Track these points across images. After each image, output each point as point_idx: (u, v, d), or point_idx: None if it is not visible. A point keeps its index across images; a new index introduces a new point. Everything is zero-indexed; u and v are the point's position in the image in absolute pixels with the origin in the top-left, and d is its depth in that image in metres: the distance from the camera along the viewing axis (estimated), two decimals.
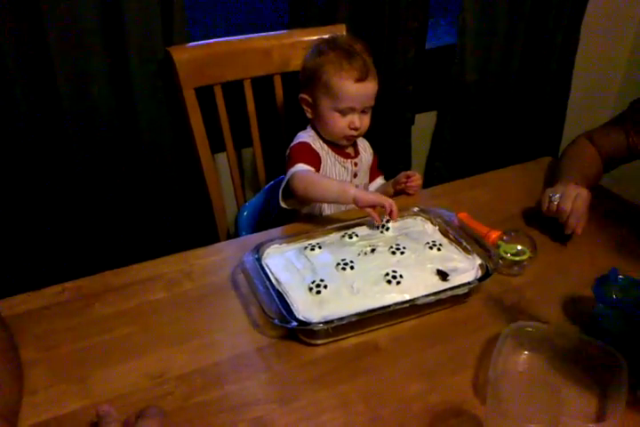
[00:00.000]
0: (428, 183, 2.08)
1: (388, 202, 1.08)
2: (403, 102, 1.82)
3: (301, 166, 1.18)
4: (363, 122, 1.24)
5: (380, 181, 1.41)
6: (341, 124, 1.23)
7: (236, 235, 1.44)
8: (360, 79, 1.19)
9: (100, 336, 0.91)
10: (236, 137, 1.50)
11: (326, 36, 1.30)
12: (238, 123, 1.49)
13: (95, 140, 1.40)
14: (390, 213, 1.08)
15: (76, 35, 1.28)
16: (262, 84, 1.47)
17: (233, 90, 1.44)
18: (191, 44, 1.39)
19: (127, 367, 0.86)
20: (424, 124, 2.03)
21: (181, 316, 0.96)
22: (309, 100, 1.25)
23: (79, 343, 0.90)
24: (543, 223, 1.17)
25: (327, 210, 1.30)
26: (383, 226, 1.09)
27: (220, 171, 1.64)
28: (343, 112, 1.22)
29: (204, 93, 1.39)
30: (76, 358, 0.88)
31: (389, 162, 1.87)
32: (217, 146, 1.49)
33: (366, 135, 1.40)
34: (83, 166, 1.41)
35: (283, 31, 1.49)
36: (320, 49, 1.23)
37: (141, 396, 0.82)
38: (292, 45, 1.44)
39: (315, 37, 1.43)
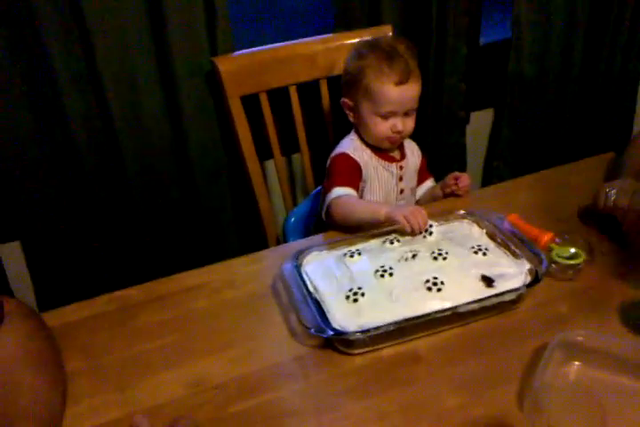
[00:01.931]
0: (486, 183, 2.05)
1: (417, 222, 1.04)
2: (456, 101, 1.77)
3: (338, 191, 1.18)
4: (406, 125, 1.21)
5: (428, 183, 1.37)
6: (383, 127, 1.20)
7: (285, 241, 1.44)
8: (401, 82, 1.16)
9: (142, 345, 0.93)
10: (283, 143, 1.50)
11: (368, 38, 1.28)
12: (285, 129, 1.49)
13: (146, 150, 1.44)
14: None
15: (122, 49, 1.32)
16: (308, 89, 1.47)
17: (279, 96, 1.44)
18: (236, 53, 1.41)
19: (167, 376, 0.87)
20: (481, 123, 1.97)
21: (222, 325, 0.96)
22: (351, 103, 1.24)
23: (122, 353, 0.92)
24: (601, 224, 1.10)
25: None
26: (426, 230, 1.06)
27: (270, 177, 1.65)
28: (385, 116, 1.19)
29: (250, 101, 1.40)
30: (119, 368, 0.89)
31: (444, 163, 1.83)
32: (265, 153, 1.50)
33: (418, 136, 1.37)
34: (134, 174, 1.44)
35: (327, 35, 1.48)
36: (360, 52, 1.21)
37: (179, 405, 0.83)
38: (337, 49, 1.43)
39: (359, 39, 1.42)
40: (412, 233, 1.06)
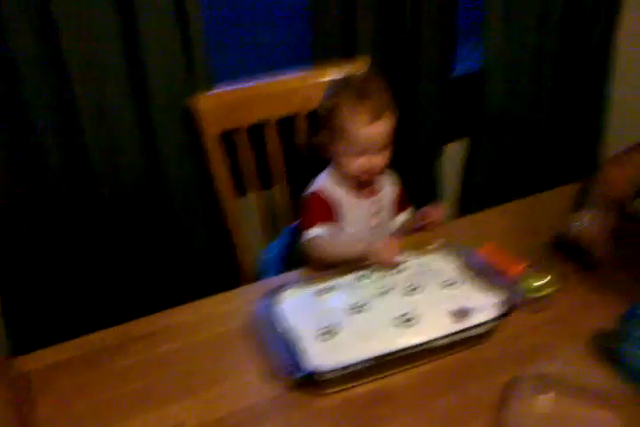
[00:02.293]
0: (462, 212, 2.07)
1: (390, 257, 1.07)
2: (430, 132, 1.80)
3: (312, 233, 1.19)
4: (380, 160, 1.23)
5: (405, 214, 1.38)
6: (357, 165, 1.21)
7: (261, 277, 1.44)
8: (373, 121, 1.17)
9: (118, 389, 0.92)
10: (261, 178, 1.51)
11: (340, 76, 1.31)
12: (263, 163, 1.50)
13: (123, 187, 1.43)
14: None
15: (100, 82, 1.32)
16: (286, 124, 1.49)
17: (257, 131, 1.46)
18: (213, 91, 1.42)
19: (143, 420, 0.87)
20: (455, 153, 2.00)
21: (198, 365, 0.96)
22: (324, 141, 1.26)
23: (98, 397, 0.91)
24: (569, 254, 1.12)
25: None
26: (399, 265, 1.08)
27: (247, 212, 1.65)
28: (358, 154, 1.20)
29: (228, 136, 1.42)
30: (94, 413, 0.89)
31: (419, 193, 1.85)
32: (243, 188, 1.51)
33: (394, 166, 1.38)
34: (110, 212, 1.44)
35: (304, 72, 1.50)
36: (333, 90, 1.24)
37: None
38: (314, 85, 1.43)
39: (336, 71, 1.43)
40: (386, 268, 1.07)
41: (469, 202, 2.03)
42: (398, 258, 1.08)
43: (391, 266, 1.07)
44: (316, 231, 1.20)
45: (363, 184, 1.28)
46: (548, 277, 1.01)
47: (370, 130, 1.18)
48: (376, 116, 1.17)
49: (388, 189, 1.35)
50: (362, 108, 1.17)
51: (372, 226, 1.31)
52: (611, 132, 2.14)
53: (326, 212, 1.24)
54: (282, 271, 1.38)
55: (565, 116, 2.01)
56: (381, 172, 1.28)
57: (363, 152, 1.20)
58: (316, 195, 1.26)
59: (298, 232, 1.26)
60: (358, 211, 1.28)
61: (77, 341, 1.02)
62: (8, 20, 1.20)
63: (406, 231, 1.31)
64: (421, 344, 0.89)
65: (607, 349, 0.90)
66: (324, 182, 1.28)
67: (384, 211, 1.33)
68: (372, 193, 1.30)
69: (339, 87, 1.24)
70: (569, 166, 2.09)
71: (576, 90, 1.98)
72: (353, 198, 1.27)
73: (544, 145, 2.03)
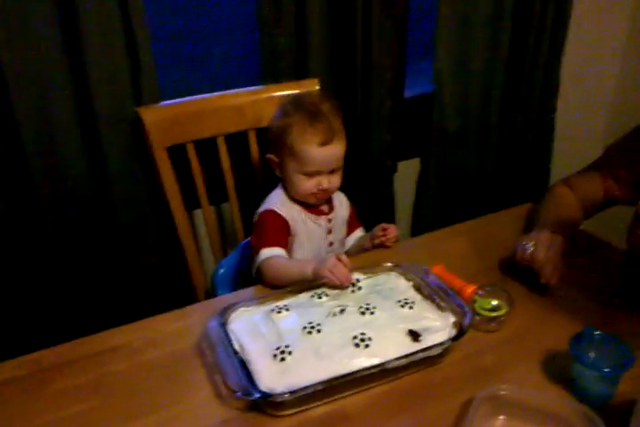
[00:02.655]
0: (416, 230, 2.09)
1: (342, 275, 1.05)
2: (382, 151, 1.81)
3: (266, 253, 1.17)
4: (331, 182, 1.22)
5: (358, 233, 1.38)
6: (308, 185, 1.21)
7: (214, 293, 1.41)
8: (324, 143, 1.17)
9: (55, 414, 0.87)
10: (212, 193, 1.49)
11: (292, 96, 1.30)
12: (214, 178, 1.48)
13: (66, 203, 1.39)
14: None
15: (43, 96, 1.28)
16: (236, 139, 1.47)
17: (207, 146, 1.43)
18: (162, 103, 1.40)
19: None
20: (408, 172, 2.03)
21: (143, 388, 0.92)
22: (276, 160, 1.24)
23: (35, 421, 0.86)
24: (520, 275, 1.13)
25: None
26: (354, 284, 1.07)
27: (198, 227, 1.62)
28: (309, 174, 1.20)
29: (177, 151, 1.39)
30: None
31: (373, 211, 1.86)
32: (193, 202, 1.48)
33: (347, 185, 1.38)
34: (53, 228, 1.39)
35: (255, 87, 1.49)
36: (285, 111, 1.22)
37: None
38: (265, 101, 1.44)
39: (287, 92, 1.44)
40: (340, 286, 1.06)
41: (421, 220, 2.05)
42: (350, 276, 1.07)
43: (345, 285, 1.06)
44: (269, 252, 1.18)
45: (317, 202, 1.28)
46: (502, 298, 1.02)
47: (321, 152, 1.18)
48: (329, 138, 1.18)
49: (341, 207, 1.34)
50: (313, 130, 1.17)
51: (327, 244, 1.30)
52: (560, 154, 2.21)
53: (280, 232, 1.22)
54: (235, 287, 1.36)
55: (516, 136, 2.06)
56: (331, 193, 1.27)
57: (313, 173, 1.20)
58: (270, 213, 1.24)
59: (250, 249, 1.24)
60: (313, 229, 1.27)
61: (15, 360, 0.97)
62: None
63: (365, 247, 1.30)
64: (377, 366, 0.88)
65: (560, 370, 0.91)
66: (279, 199, 1.26)
67: (338, 229, 1.33)
68: (327, 211, 1.30)
69: (291, 107, 1.23)
70: (520, 187, 2.14)
71: (525, 111, 2.03)
72: (307, 216, 1.26)
73: (495, 166, 2.07)
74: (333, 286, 1.06)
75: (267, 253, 1.18)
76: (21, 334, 1.41)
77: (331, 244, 1.31)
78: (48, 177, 1.34)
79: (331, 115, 1.20)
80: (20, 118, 1.27)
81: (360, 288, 1.06)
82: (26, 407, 0.88)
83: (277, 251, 1.18)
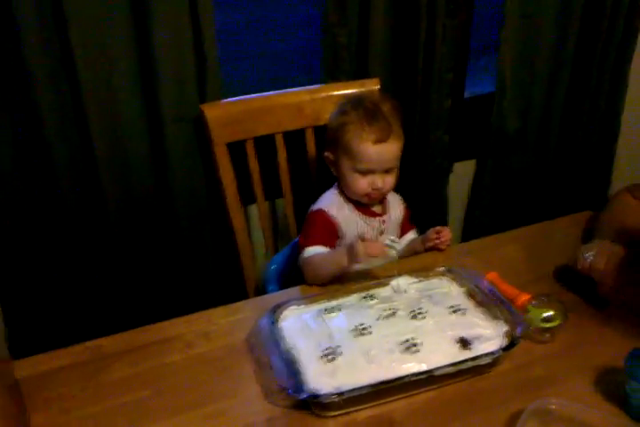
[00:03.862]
0: (467, 233, 2.06)
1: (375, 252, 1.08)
2: (439, 152, 1.79)
3: (310, 251, 1.19)
4: (385, 182, 1.22)
5: (410, 235, 1.37)
6: (362, 184, 1.21)
7: (264, 289, 1.43)
8: (380, 141, 1.17)
9: (112, 400, 0.91)
10: (268, 188, 1.50)
11: (353, 94, 1.30)
12: (271, 174, 1.50)
13: (130, 196, 1.43)
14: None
15: (110, 92, 1.32)
16: (294, 136, 1.48)
17: (265, 142, 1.45)
18: (224, 100, 1.42)
19: None
20: (463, 173, 2.00)
21: (195, 380, 0.95)
22: (332, 158, 1.25)
23: (91, 408, 0.90)
24: (577, 286, 1.11)
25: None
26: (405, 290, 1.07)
27: (252, 223, 1.65)
28: (363, 173, 1.20)
29: (237, 146, 1.41)
30: (86, 425, 0.87)
31: (426, 212, 1.84)
32: (249, 198, 1.51)
33: (402, 186, 1.37)
34: (116, 219, 1.43)
35: (315, 86, 1.50)
36: (344, 108, 1.23)
37: None
38: (324, 100, 1.45)
39: (346, 91, 1.45)
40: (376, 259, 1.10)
41: (474, 224, 2.03)
42: (384, 250, 1.10)
43: (380, 255, 1.08)
44: (313, 250, 1.20)
45: (369, 204, 1.28)
46: (556, 309, 1.00)
47: (376, 150, 1.18)
48: (384, 137, 1.17)
49: (395, 209, 1.34)
50: (369, 128, 1.17)
51: None
52: (623, 162, 2.13)
53: (328, 232, 1.23)
54: (285, 284, 1.37)
55: (577, 142, 2.01)
56: (386, 194, 1.27)
57: (367, 172, 1.20)
58: (321, 213, 1.25)
59: (298, 247, 1.26)
60: (364, 230, 1.27)
61: (75, 348, 1.01)
62: (25, 34, 1.20)
63: (418, 249, 1.29)
64: (425, 372, 0.88)
65: (613, 386, 0.89)
66: (332, 199, 1.27)
67: (391, 231, 1.32)
68: (380, 213, 1.30)
69: (350, 105, 1.23)
70: (579, 194, 2.08)
71: (589, 116, 1.97)
72: (359, 217, 1.26)
73: (554, 171, 2.02)
74: (384, 289, 1.07)
75: (311, 251, 1.19)
76: (85, 321, 1.47)
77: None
78: (113, 169, 1.38)
79: (389, 114, 1.19)
80: (90, 115, 1.31)
81: (411, 292, 1.06)
82: (86, 393, 0.93)
83: (321, 250, 1.19)
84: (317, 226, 1.24)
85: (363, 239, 1.10)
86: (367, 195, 1.23)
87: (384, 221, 1.29)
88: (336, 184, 1.30)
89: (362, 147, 1.17)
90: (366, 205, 1.27)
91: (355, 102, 1.23)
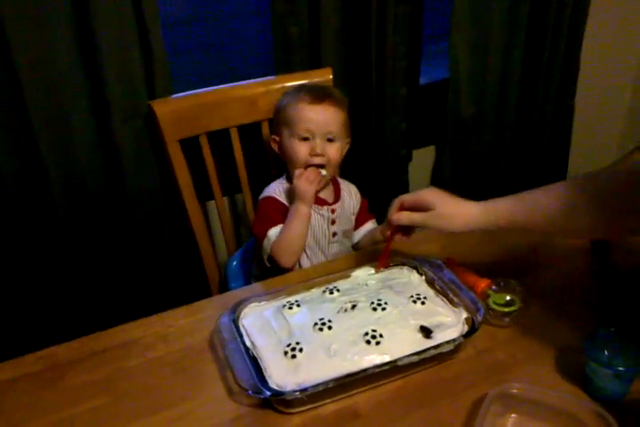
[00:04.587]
0: None
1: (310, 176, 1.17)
2: (397, 140, 1.79)
3: (272, 233, 1.21)
4: (326, 150, 1.21)
5: (369, 225, 1.37)
6: (301, 151, 1.20)
7: (227, 285, 1.41)
8: (315, 102, 1.19)
9: (69, 410, 0.88)
10: (225, 184, 1.48)
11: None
12: (227, 169, 1.47)
13: (81, 197, 1.40)
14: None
15: (56, 95, 1.28)
16: (249, 130, 1.46)
17: (219, 137, 1.43)
18: (174, 96, 1.39)
19: None
20: (423, 160, 2.00)
21: (155, 384, 0.93)
22: (277, 138, 1.26)
23: (47, 418, 0.87)
24: (535, 270, 1.12)
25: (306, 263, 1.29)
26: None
27: (211, 219, 1.62)
28: (303, 138, 1.20)
29: (190, 142, 1.38)
30: None
31: (387, 201, 1.83)
32: (206, 194, 1.48)
33: (361, 174, 1.35)
34: (67, 222, 1.39)
35: (267, 78, 1.48)
36: (286, 92, 1.28)
37: None
38: (278, 91, 1.42)
39: (300, 82, 1.43)
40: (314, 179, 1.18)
41: None
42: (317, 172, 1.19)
43: (316, 177, 1.17)
44: (275, 231, 1.20)
45: (318, 191, 1.26)
46: (516, 293, 1.01)
47: (312, 109, 1.20)
48: (319, 99, 1.20)
49: (348, 199, 1.33)
50: (305, 93, 1.21)
51: (331, 235, 1.29)
52: (579, 142, 2.16)
53: (282, 214, 1.23)
54: (248, 280, 1.36)
55: (533, 123, 2.02)
56: (330, 166, 1.24)
57: (307, 134, 1.20)
58: (269, 199, 1.25)
59: (256, 239, 1.25)
60: (315, 217, 1.26)
61: (28, 356, 0.98)
62: None
63: (377, 239, 1.29)
64: (388, 363, 0.87)
65: (574, 368, 0.89)
66: (278, 188, 1.27)
67: (343, 220, 1.31)
68: (331, 201, 1.28)
69: (293, 90, 1.28)
70: (537, 177, 2.10)
71: (544, 98, 1.99)
72: None
73: (512, 153, 2.04)
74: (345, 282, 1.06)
75: (272, 233, 1.20)
76: (35, 329, 1.43)
77: (334, 234, 1.30)
78: (62, 171, 1.35)
79: (331, 88, 1.24)
80: (33, 113, 1.27)
81: (371, 283, 1.06)
82: (39, 403, 0.89)
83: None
84: (270, 210, 1.24)
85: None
86: (308, 163, 1.21)
87: (334, 210, 1.28)
88: (284, 175, 1.28)
89: (297, 108, 1.20)
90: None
91: (298, 87, 1.28)
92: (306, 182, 1.16)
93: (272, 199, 1.24)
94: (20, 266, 1.40)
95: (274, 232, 1.20)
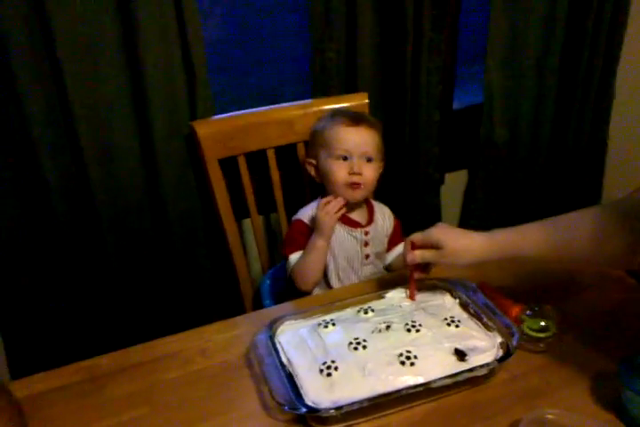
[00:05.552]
0: None
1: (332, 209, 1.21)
2: (430, 163, 1.81)
3: (292, 259, 1.26)
4: (364, 170, 1.23)
5: (401, 247, 1.37)
6: (342, 171, 1.23)
7: (261, 303, 1.44)
8: (352, 124, 1.23)
9: (110, 419, 0.91)
10: (261, 203, 1.51)
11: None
12: (264, 189, 1.51)
13: (123, 211, 1.44)
14: None
15: (102, 114, 1.34)
16: (286, 151, 1.49)
17: (257, 157, 1.46)
18: (215, 117, 1.43)
19: None
20: (455, 183, 2.02)
21: (193, 397, 0.95)
22: (314, 162, 1.29)
23: (91, 426, 0.90)
24: (570, 295, 1.12)
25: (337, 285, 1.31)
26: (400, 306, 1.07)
27: (247, 237, 1.65)
28: (341, 158, 1.23)
29: (229, 162, 1.42)
30: None
31: (420, 223, 1.85)
32: (243, 212, 1.51)
33: (394, 197, 1.36)
34: (110, 237, 1.44)
35: (304, 101, 1.51)
36: (321, 117, 1.32)
37: None
38: (314, 114, 1.46)
39: (336, 106, 1.46)
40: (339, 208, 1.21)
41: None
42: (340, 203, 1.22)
43: (339, 208, 1.20)
44: (295, 257, 1.25)
45: (352, 208, 1.29)
46: (550, 319, 1.01)
47: (350, 131, 1.23)
48: (356, 121, 1.24)
49: (382, 222, 1.35)
50: (341, 117, 1.26)
51: (363, 257, 1.31)
52: (614, 170, 2.15)
53: (306, 239, 1.26)
54: (281, 298, 1.38)
55: (567, 150, 2.03)
56: (368, 186, 1.26)
57: (346, 154, 1.23)
58: (297, 222, 1.28)
59: (284, 259, 1.29)
60: (347, 240, 1.28)
61: (72, 366, 1.01)
62: (18, 68, 1.23)
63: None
64: (422, 384, 0.88)
65: (609, 395, 0.89)
66: (312, 210, 1.28)
67: (376, 242, 1.33)
68: (363, 224, 1.30)
69: (326, 114, 1.32)
70: (571, 202, 2.10)
71: (578, 125, 1.99)
72: (342, 227, 1.28)
73: (545, 179, 2.04)
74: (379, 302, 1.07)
75: (292, 258, 1.25)
76: (80, 340, 1.47)
77: (367, 256, 1.31)
78: (105, 188, 1.39)
79: (367, 115, 1.30)
80: (82, 136, 1.32)
81: (405, 304, 1.07)
82: (80, 414, 0.92)
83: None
84: (294, 235, 1.28)
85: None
86: (350, 185, 1.23)
87: (367, 232, 1.30)
88: (319, 197, 1.31)
89: (334, 130, 1.24)
90: (349, 212, 1.28)
91: (332, 111, 1.32)
92: (326, 215, 1.20)
93: (300, 223, 1.28)
94: (66, 279, 1.44)
95: (294, 257, 1.26)
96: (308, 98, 1.58)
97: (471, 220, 2.04)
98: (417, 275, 1.08)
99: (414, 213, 1.82)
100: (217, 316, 1.16)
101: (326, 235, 1.21)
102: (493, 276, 1.15)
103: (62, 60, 1.25)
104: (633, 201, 0.90)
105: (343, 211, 1.22)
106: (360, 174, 1.23)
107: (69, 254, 1.42)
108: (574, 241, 0.93)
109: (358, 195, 1.27)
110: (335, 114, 1.30)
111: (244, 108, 1.47)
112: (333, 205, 1.21)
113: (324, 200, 1.23)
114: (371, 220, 1.32)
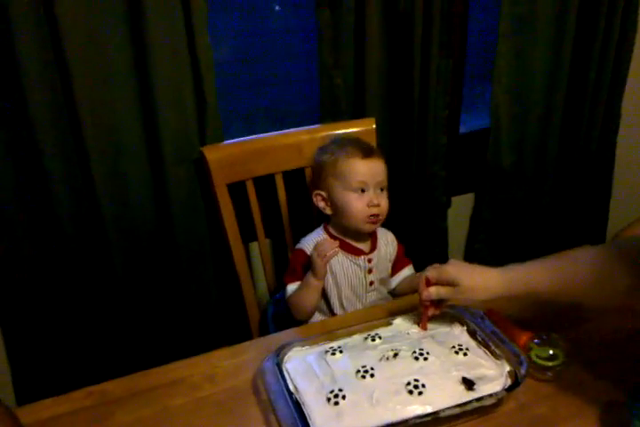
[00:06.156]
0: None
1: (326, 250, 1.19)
2: (437, 186, 1.82)
3: (289, 289, 1.27)
4: (381, 200, 1.25)
5: (406, 271, 1.37)
6: (360, 204, 1.23)
7: (267, 327, 1.44)
8: (366, 156, 1.24)
9: None
10: (268, 227, 1.52)
11: (332, 137, 1.38)
12: (271, 213, 1.52)
13: (132, 234, 1.45)
14: None
15: (113, 138, 1.35)
16: (294, 176, 1.51)
17: (265, 182, 1.48)
18: (224, 142, 1.45)
19: None
20: (462, 207, 2.02)
21: (201, 423, 0.95)
22: (324, 194, 1.28)
23: None
24: (578, 324, 1.12)
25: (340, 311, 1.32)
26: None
27: (254, 260, 1.66)
28: (359, 191, 1.23)
29: (237, 186, 1.43)
30: None
31: (426, 246, 1.86)
32: (250, 235, 1.52)
33: (401, 220, 1.36)
34: (117, 259, 1.44)
35: (313, 126, 1.53)
36: (325, 146, 1.32)
37: None
38: (322, 139, 1.47)
39: (344, 131, 1.48)
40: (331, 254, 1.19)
41: (474, 257, 2.04)
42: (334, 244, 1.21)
43: (332, 249, 1.18)
44: (291, 288, 1.26)
45: (355, 236, 1.29)
46: (558, 347, 1.01)
47: (366, 163, 1.24)
48: (369, 153, 1.25)
49: (385, 247, 1.35)
50: (353, 148, 1.26)
51: (368, 284, 1.31)
52: (620, 193, 2.16)
53: (304, 269, 1.26)
54: (286, 323, 1.38)
55: (574, 175, 2.03)
56: (383, 217, 1.27)
57: (362, 189, 1.23)
58: (298, 252, 1.29)
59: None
60: (351, 268, 1.29)
61: (79, 392, 1.01)
62: (26, 76, 1.23)
63: (416, 286, 1.30)
64: (430, 414, 0.88)
65: (619, 424, 0.89)
66: (315, 238, 1.29)
67: (380, 269, 1.33)
68: (367, 251, 1.31)
69: (330, 142, 1.33)
70: (577, 226, 2.10)
71: (584, 148, 2.00)
72: (345, 255, 1.28)
73: (552, 203, 2.05)
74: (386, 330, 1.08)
75: (289, 288, 1.26)
76: (87, 365, 1.47)
77: (371, 283, 1.32)
78: (115, 211, 1.40)
79: (372, 145, 1.30)
80: (92, 159, 1.34)
81: (413, 332, 1.07)
82: None
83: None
84: (296, 263, 1.28)
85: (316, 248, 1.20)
86: (368, 218, 1.24)
87: (370, 260, 1.30)
88: (323, 224, 1.32)
89: (351, 162, 1.24)
90: (353, 241, 1.29)
91: (334, 140, 1.33)
92: (318, 257, 1.19)
93: (301, 253, 1.28)
94: (75, 303, 1.45)
95: (291, 288, 1.27)
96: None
97: (477, 243, 2.04)
98: (431, 311, 1.08)
99: (421, 237, 1.82)
100: (223, 339, 1.17)
101: (319, 275, 1.21)
102: (501, 303, 1.15)
103: (74, 86, 1.27)
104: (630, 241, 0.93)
105: (336, 252, 1.21)
106: (379, 206, 1.24)
107: (77, 277, 1.43)
108: (577, 276, 0.95)
109: (376, 225, 1.28)
110: (343, 144, 1.29)
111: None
112: (325, 248, 1.19)
113: (321, 241, 1.24)
114: (374, 247, 1.32)
